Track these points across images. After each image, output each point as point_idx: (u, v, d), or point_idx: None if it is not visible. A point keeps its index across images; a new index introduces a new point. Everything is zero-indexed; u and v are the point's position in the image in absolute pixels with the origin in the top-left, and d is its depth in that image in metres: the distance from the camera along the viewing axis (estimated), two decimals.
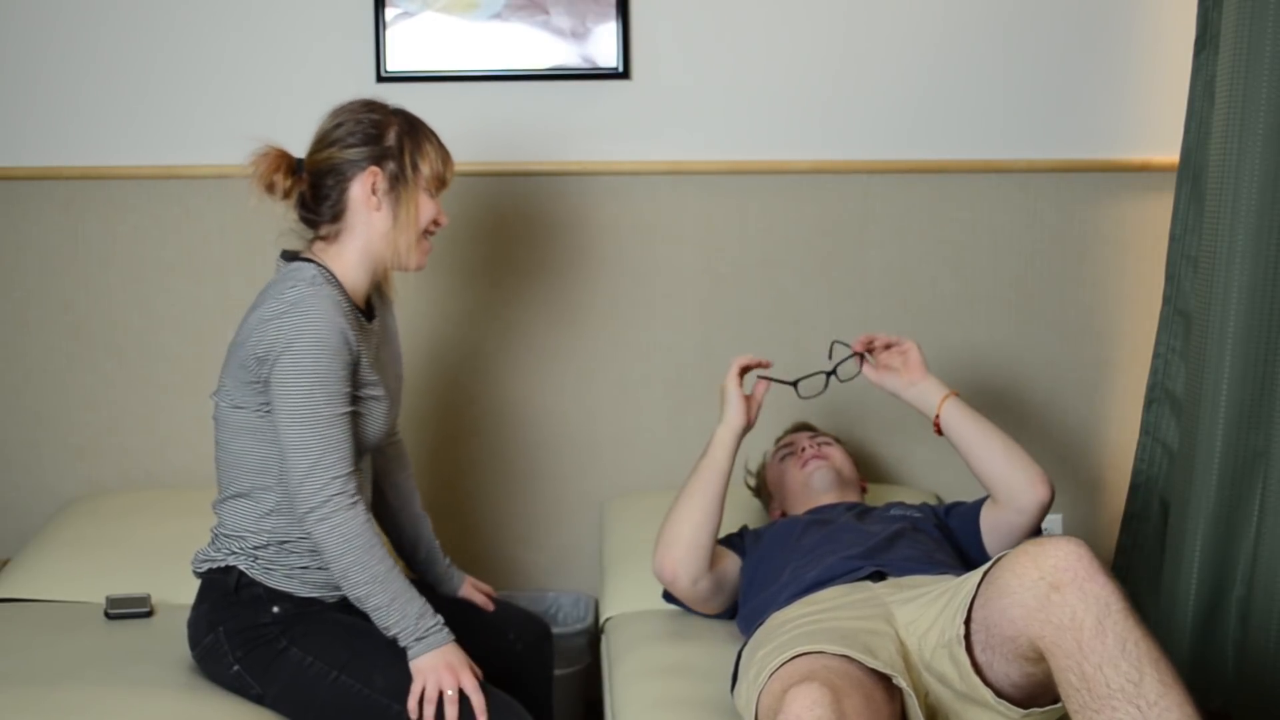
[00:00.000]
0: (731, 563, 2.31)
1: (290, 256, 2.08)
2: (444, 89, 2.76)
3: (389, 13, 2.73)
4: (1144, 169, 2.81)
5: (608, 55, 2.75)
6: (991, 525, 2.27)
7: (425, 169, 2.07)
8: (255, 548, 2.02)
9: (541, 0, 2.74)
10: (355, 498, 1.94)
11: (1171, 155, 2.68)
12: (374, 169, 2.03)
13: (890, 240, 2.84)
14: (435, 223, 2.11)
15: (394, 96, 2.73)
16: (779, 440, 2.62)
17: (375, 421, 2.05)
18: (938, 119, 2.81)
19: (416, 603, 1.94)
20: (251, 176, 2.05)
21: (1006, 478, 2.22)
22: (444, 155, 2.11)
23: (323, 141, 2.06)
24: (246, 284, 2.80)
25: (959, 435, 2.27)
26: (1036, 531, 2.29)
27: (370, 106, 2.09)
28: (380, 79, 2.75)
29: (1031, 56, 2.80)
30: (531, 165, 2.74)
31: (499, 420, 2.87)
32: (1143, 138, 2.82)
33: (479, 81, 2.77)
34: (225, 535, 2.06)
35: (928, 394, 2.31)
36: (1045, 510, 2.23)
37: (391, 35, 2.73)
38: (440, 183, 2.10)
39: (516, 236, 2.81)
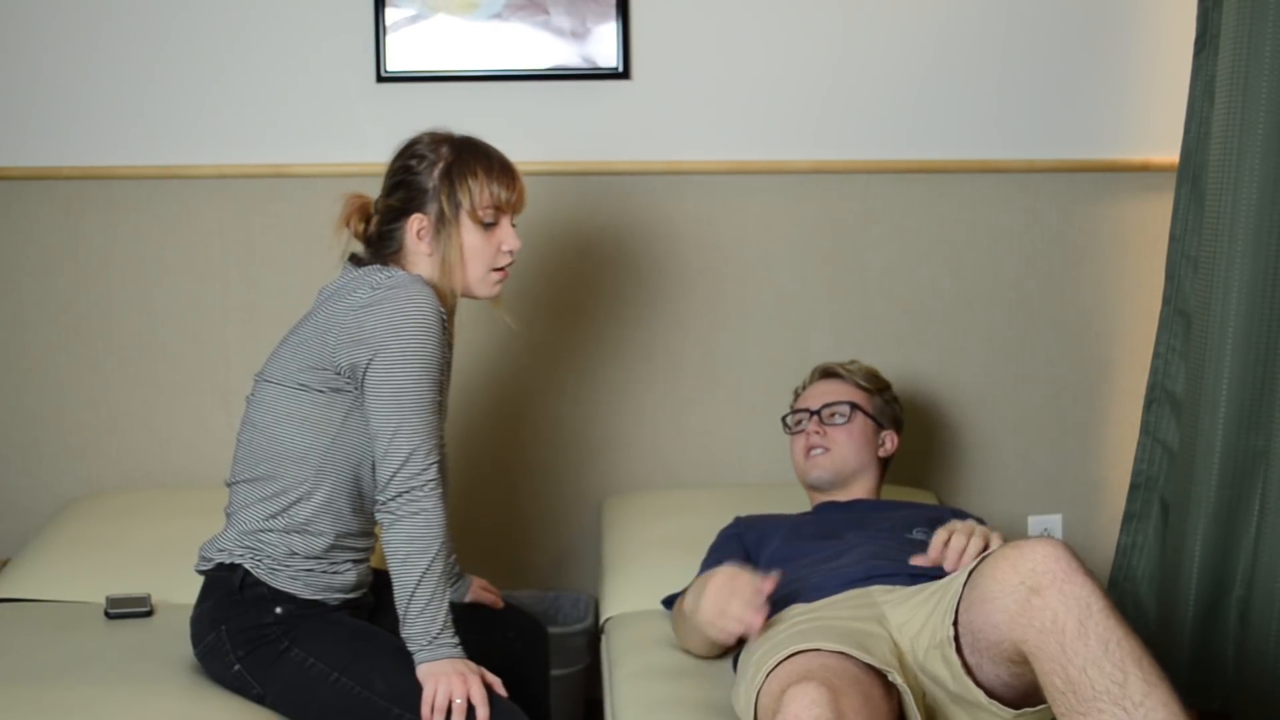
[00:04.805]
0: None
1: (360, 262, 2.08)
2: (444, 89, 2.76)
3: (389, 13, 2.73)
4: (1144, 169, 2.81)
5: (608, 55, 2.75)
6: None
7: (466, 202, 2.04)
8: (259, 532, 2.01)
9: (541, 0, 2.74)
10: (441, 487, 1.97)
11: (1171, 155, 2.68)
12: (418, 215, 2.05)
13: (890, 240, 2.84)
14: (508, 251, 2.09)
15: (394, 97, 2.77)
16: (798, 391, 2.52)
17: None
18: (938, 119, 2.81)
19: (444, 611, 1.94)
20: (338, 216, 2.10)
21: None
22: (501, 179, 2.07)
23: (383, 186, 2.10)
24: (246, 284, 2.81)
25: None
26: None
27: (412, 149, 2.09)
28: (380, 79, 2.75)
29: (1031, 56, 2.80)
30: (531, 165, 2.72)
31: (499, 420, 2.87)
32: (1143, 138, 2.82)
33: (479, 81, 2.77)
34: (236, 521, 2.05)
35: None
36: None
37: (392, 35, 2.73)
38: (497, 208, 2.07)
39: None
